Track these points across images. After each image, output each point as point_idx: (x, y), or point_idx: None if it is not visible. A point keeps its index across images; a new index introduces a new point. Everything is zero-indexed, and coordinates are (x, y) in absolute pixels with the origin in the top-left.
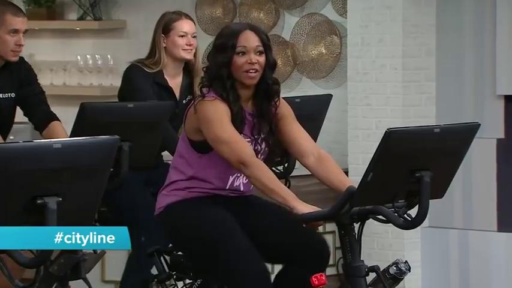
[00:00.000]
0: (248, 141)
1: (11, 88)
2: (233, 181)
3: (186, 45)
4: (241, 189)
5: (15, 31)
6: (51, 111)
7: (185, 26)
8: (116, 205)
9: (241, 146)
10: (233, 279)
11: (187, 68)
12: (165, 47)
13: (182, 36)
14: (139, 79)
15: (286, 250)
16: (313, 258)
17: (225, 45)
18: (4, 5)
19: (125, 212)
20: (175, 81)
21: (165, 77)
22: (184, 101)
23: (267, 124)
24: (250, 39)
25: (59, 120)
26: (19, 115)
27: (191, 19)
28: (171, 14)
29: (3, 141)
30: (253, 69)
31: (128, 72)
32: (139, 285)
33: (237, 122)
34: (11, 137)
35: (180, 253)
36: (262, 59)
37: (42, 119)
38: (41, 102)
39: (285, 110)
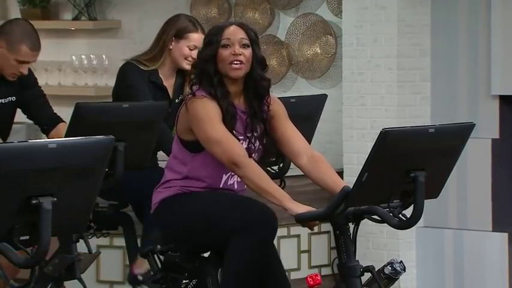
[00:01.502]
0: (241, 139)
1: (11, 92)
2: (227, 180)
3: (191, 57)
4: (235, 187)
5: (24, 62)
6: (56, 114)
7: (198, 40)
8: (125, 189)
9: (233, 146)
10: (242, 238)
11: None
12: (169, 49)
13: (191, 49)
14: (134, 77)
15: None
16: None
17: (211, 41)
18: (25, 34)
19: (136, 189)
20: (169, 81)
21: (160, 76)
22: (177, 100)
23: (261, 123)
24: (235, 32)
25: (65, 122)
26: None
27: (204, 32)
28: (188, 22)
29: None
30: (237, 61)
31: (123, 69)
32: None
33: (228, 118)
34: None
35: (175, 253)
36: (247, 52)
37: (47, 122)
38: (44, 105)
39: (278, 109)
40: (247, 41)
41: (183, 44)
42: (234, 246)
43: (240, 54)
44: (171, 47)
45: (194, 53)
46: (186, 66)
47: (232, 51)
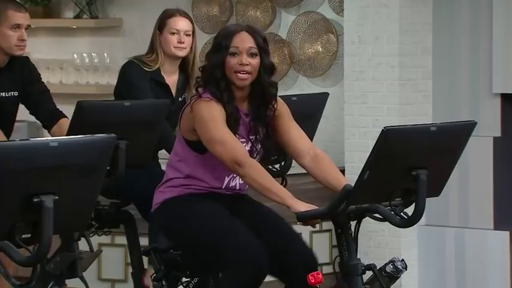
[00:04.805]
0: (243, 142)
1: (14, 87)
2: (229, 181)
3: (178, 42)
4: (238, 188)
5: (18, 26)
6: (58, 109)
7: (178, 23)
8: (135, 192)
9: (235, 146)
10: (228, 269)
11: (184, 65)
12: (160, 45)
13: (173, 33)
14: (135, 75)
15: (273, 253)
16: (298, 268)
17: (219, 46)
18: (6, 1)
19: (138, 190)
20: (171, 79)
21: (162, 74)
22: (180, 99)
23: (264, 127)
24: (244, 41)
25: (67, 117)
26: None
27: (187, 16)
28: (167, 11)
29: (7, 139)
30: (243, 71)
31: (124, 68)
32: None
33: (231, 122)
34: None
35: (176, 252)
36: (255, 61)
37: (49, 117)
38: (47, 101)
39: (282, 109)
40: (255, 50)
41: (165, 32)
42: (222, 281)
43: (247, 64)
44: (160, 42)
45: (179, 38)
46: (178, 53)
47: (239, 60)
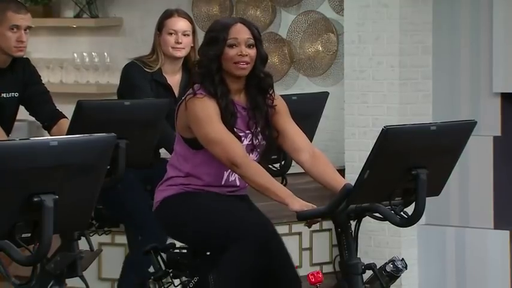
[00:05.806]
0: (243, 136)
1: (15, 88)
2: (228, 176)
3: (175, 42)
4: (237, 183)
5: (16, 27)
6: (58, 110)
7: (176, 23)
8: (112, 203)
9: (233, 146)
10: (236, 244)
11: (187, 65)
12: (160, 45)
13: (171, 34)
14: (137, 77)
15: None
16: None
17: (216, 38)
18: (7, 1)
19: (121, 211)
20: (174, 79)
21: (164, 74)
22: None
23: (263, 117)
24: (241, 32)
25: (67, 118)
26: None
27: (186, 17)
28: (167, 11)
29: (7, 138)
30: (243, 62)
31: (125, 70)
32: (136, 285)
33: (227, 116)
34: None
35: (176, 251)
36: (253, 52)
37: (49, 117)
38: (47, 102)
39: (280, 106)
40: (252, 41)
41: (164, 33)
42: (231, 253)
43: (247, 55)
44: (159, 42)
45: (177, 38)
46: (176, 53)
47: (239, 51)
